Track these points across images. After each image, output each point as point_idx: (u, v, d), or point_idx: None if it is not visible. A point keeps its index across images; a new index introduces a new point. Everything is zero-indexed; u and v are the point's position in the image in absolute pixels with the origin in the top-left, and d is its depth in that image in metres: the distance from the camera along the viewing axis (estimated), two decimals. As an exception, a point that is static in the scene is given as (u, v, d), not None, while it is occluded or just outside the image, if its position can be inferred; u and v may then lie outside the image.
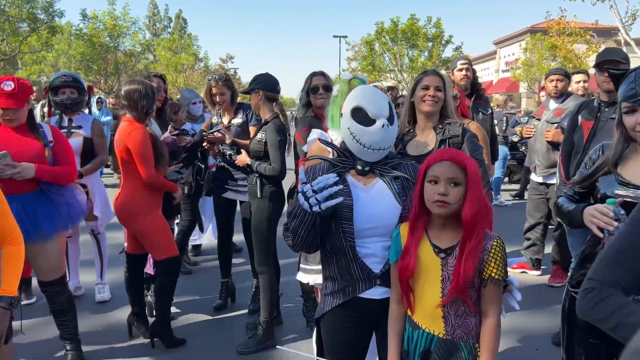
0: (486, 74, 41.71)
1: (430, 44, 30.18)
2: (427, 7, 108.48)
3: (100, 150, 4.19)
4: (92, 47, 25.63)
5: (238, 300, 4.43)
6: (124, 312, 4.00)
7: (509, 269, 1.83)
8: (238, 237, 4.53)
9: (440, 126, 2.63)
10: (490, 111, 4.71)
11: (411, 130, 2.70)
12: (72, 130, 4.12)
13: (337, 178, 1.84)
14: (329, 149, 2.58)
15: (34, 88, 3.66)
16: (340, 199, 1.81)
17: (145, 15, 57.94)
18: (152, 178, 3.37)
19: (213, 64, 41.95)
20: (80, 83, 4.17)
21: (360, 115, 1.93)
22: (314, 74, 3.55)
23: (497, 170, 8.09)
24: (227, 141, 3.85)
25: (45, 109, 5.18)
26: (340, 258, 1.94)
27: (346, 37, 39.65)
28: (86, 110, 4.31)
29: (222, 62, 45.47)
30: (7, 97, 2.86)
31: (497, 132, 5.58)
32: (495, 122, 5.57)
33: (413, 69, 29.57)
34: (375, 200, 1.93)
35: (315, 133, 2.86)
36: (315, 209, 1.79)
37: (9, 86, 2.84)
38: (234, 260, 4.74)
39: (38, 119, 4.27)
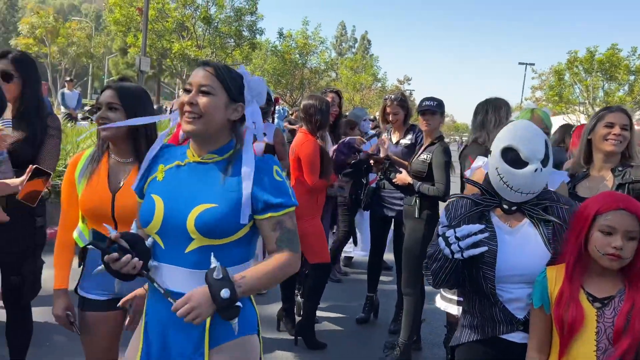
0: None
1: (632, 77, 26.89)
2: (632, 37, 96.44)
3: (283, 156, 4.64)
4: (283, 62, 28.17)
5: (380, 317, 4.48)
6: (275, 307, 4.33)
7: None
8: (389, 256, 4.59)
9: (620, 168, 2.38)
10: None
11: (585, 169, 2.49)
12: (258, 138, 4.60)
13: (483, 226, 1.77)
14: None
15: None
16: (484, 248, 1.74)
17: (333, 36, 61.78)
18: (316, 185, 3.64)
19: (390, 84, 42.85)
20: (269, 95, 4.66)
21: (510, 156, 1.80)
22: (502, 100, 3.36)
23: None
24: (381, 154, 3.94)
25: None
26: (482, 299, 1.88)
27: (533, 64, 37.20)
28: (270, 119, 4.76)
29: (399, 83, 46.22)
30: None
31: None
32: None
33: (608, 103, 26.62)
34: (521, 245, 1.82)
35: (480, 160, 2.80)
36: (457, 256, 1.74)
37: None
38: (382, 278, 4.81)
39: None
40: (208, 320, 1.54)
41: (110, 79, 38.65)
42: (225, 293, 1.42)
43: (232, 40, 25.87)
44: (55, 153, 2.71)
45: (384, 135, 4.43)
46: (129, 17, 23.74)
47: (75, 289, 2.15)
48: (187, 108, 1.56)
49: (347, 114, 5.89)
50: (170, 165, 1.66)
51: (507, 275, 1.80)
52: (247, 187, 1.55)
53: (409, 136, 4.23)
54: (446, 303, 3.20)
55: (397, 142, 4.26)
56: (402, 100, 4.21)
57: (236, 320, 1.49)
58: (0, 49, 2.85)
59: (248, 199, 1.54)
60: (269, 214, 1.56)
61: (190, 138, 1.65)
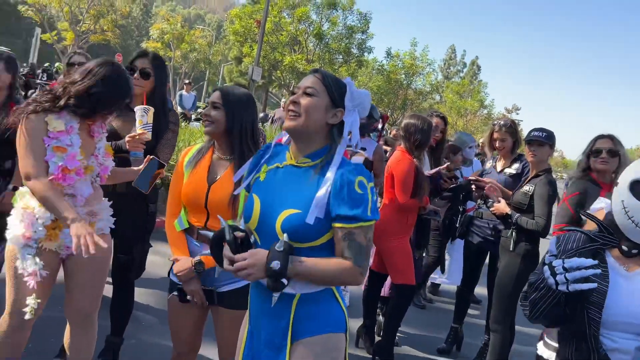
0: None
1: None
2: None
3: (379, 173, 4.64)
4: (388, 82, 28.24)
5: (463, 351, 4.29)
6: (356, 322, 4.30)
7: None
8: (479, 289, 4.40)
9: None
10: None
11: None
12: (357, 150, 4.64)
13: (596, 262, 1.63)
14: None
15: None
16: (593, 285, 1.60)
17: (441, 59, 60.83)
18: (407, 204, 3.60)
19: (497, 112, 41.29)
20: (375, 112, 4.67)
21: None
22: (599, 137, 3.24)
23: None
24: (494, 202, 3.71)
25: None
26: (580, 343, 1.73)
27: (662, 104, 33.92)
28: (376, 137, 4.79)
29: (507, 111, 44.43)
30: None
31: None
32: None
33: None
34: (637, 293, 1.65)
35: (601, 202, 2.60)
36: (562, 288, 1.61)
37: None
38: (470, 311, 4.61)
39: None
40: (292, 313, 1.64)
41: (224, 85, 41.03)
42: (275, 265, 1.52)
43: (341, 56, 26.42)
44: (171, 145, 2.95)
45: (489, 163, 4.27)
46: (247, 29, 25.16)
47: (168, 274, 2.30)
48: (290, 107, 1.68)
49: (450, 138, 5.75)
50: (272, 167, 1.77)
51: (615, 322, 1.65)
52: (322, 192, 1.60)
53: (515, 165, 4.05)
54: (550, 352, 2.98)
55: (502, 171, 4.09)
56: (511, 128, 4.04)
57: (277, 294, 1.60)
58: (130, 50, 3.16)
59: (320, 203, 1.59)
60: (341, 224, 1.60)
61: (291, 138, 1.74)
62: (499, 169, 4.14)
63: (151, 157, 2.49)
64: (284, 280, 1.55)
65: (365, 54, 26.84)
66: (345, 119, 1.69)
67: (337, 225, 1.61)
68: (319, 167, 1.66)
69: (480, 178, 3.96)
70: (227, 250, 1.65)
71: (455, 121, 32.65)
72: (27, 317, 2.25)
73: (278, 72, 26.33)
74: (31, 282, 2.22)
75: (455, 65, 62.99)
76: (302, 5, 25.07)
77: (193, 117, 14.36)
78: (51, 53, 36.94)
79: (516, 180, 3.97)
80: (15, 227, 2.23)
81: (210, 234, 1.75)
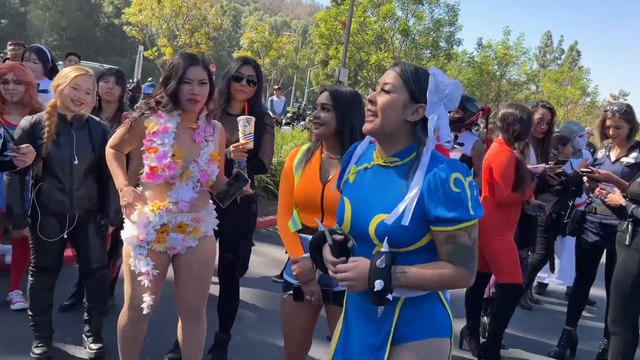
0: None
1: None
2: None
3: (479, 171, 4.44)
4: (479, 74, 27.14)
5: (579, 356, 3.99)
6: (458, 323, 4.14)
7: None
8: (594, 290, 4.07)
9: None
10: None
11: None
12: (455, 145, 4.47)
13: None
14: None
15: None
16: None
17: (536, 47, 57.51)
18: (508, 198, 3.40)
19: (601, 100, 38.23)
20: (463, 105, 4.47)
21: None
22: None
23: None
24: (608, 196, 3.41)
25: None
26: None
27: None
28: (475, 130, 4.58)
29: (613, 98, 41.04)
30: None
31: None
32: None
33: None
34: None
35: None
36: None
37: None
38: (583, 313, 4.27)
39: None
40: (395, 317, 1.58)
41: (311, 89, 41.77)
42: (378, 285, 1.46)
43: (429, 51, 25.84)
44: (271, 148, 3.02)
45: (601, 152, 3.93)
46: (333, 31, 25.40)
47: (281, 274, 2.34)
48: (368, 106, 1.59)
49: (556, 130, 5.38)
50: (360, 168, 1.70)
51: None
52: (412, 194, 1.50)
53: (634, 154, 3.67)
54: None
55: (617, 160, 3.74)
56: (627, 113, 3.67)
57: (382, 308, 1.54)
58: (222, 61, 3.27)
59: (410, 207, 1.49)
60: (441, 227, 1.50)
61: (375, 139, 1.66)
62: (613, 158, 3.79)
63: (236, 171, 2.51)
64: (389, 296, 1.49)
65: (454, 46, 26.04)
66: (428, 114, 1.54)
67: (437, 228, 1.50)
68: (408, 167, 1.56)
69: (593, 169, 3.65)
70: (328, 254, 1.62)
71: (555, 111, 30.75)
72: (144, 312, 2.43)
73: (364, 71, 26.30)
74: (145, 281, 2.38)
75: (552, 53, 59.28)
76: (387, 2, 24.84)
77: (284, 121, 14.76)
78: (153, 68, 39.73)
79: (634, 171, 3.61)
80: (131, 228, 2.41)
81: (309, 237, 1.73)
